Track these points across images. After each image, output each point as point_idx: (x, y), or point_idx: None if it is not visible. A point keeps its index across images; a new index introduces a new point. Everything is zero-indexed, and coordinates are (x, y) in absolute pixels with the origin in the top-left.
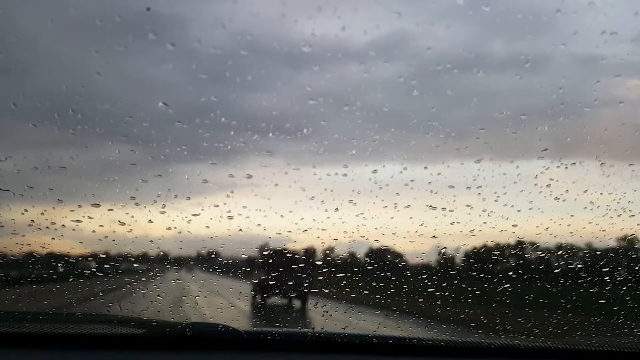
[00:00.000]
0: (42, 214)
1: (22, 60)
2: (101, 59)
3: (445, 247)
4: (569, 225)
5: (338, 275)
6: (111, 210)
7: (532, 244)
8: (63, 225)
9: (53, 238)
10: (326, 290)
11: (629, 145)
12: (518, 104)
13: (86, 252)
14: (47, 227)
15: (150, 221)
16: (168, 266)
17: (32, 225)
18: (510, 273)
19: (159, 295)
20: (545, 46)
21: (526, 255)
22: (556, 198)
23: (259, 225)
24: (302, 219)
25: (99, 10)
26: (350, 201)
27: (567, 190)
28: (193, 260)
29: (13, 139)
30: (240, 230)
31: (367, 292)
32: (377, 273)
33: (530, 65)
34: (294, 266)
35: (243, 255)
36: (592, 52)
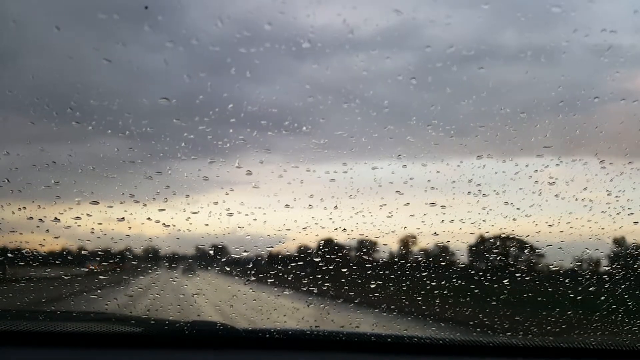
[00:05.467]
0: (41, 212)
1: (19, 56)
2: (99, 56)
3: (444, 245)
4: (568, 223)
5: (337, 272)
6: (110, 207)
7: (531, 241)
8: (61, 222)
9: (51, 234)
10: (324, 288)
11: (628, 143)
12: (517, 102)
13: (85, 249)
14: (46, 224)
15: (149, 219)
16: (167, 264)
17: (30, 222)
18: (510, 270)
19: (157, 294)
20: (544, 43)
21: (525, 253)
22: (556, 196)
23: (258, 222)
24: (302, 216)
25: (97, 5)
26: (350, 198)
27: (567, 184)
28: (191, 258)
29: (10, 135)
30: (240, 227)
31: (365, 289)
32: (375, 271)
33: (529, 62)
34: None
35: (243, 253)
36: (592, 49)
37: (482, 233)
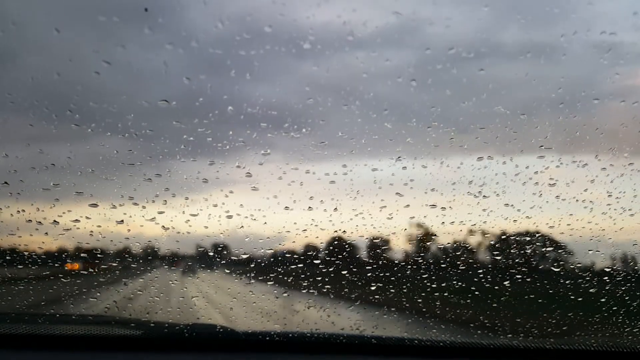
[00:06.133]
0: (40, 214)
1: (18, 57)
2: (99, 58)
3: (444, 246)
4: (568, 224)
5: (337, 274)
6: (109, 209)
7: (532, 242)
8: (60, 224)
9: (50, 236)
10: (324, 290)
11: (628, 144)
12: (517, 103)
13: (84, 251)
14: (45, 226)
15: (148, 221)
16: (166, 266)
17: (29, 224)
18: (510, 272)
19: (157, 297)
20: (544, 45)
21: (526, 253)
22: (556, 197)
23: (258, 224)
24: (301, 218)
25: (97, 7)
26: (350, 200)
27: (567, 185)
28: (191, 260)
29: (9, 137)
30: (239, 229)
31: (366, 291)
32: (376, 272)
33: (529, 64)
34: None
35: (243, 255)
36: (592, 50)
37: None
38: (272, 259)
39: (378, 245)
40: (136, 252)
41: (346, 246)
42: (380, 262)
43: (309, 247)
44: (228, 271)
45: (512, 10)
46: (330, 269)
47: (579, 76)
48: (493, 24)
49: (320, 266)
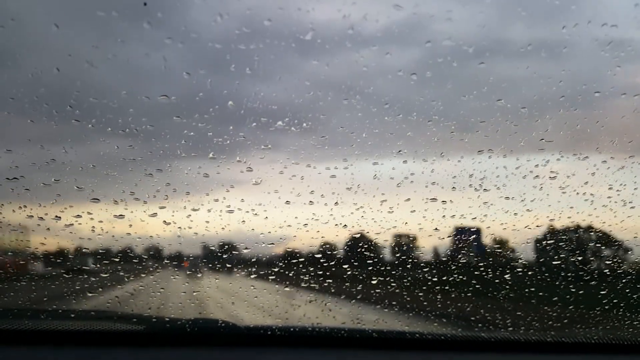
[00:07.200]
0: (41, 210)
1: (17, 54)
2: (98, 54)
3: (445, 240)
4: (569, 217)
5: (338, 269)
6: (110, 205)
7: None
8: (62, 220)
9: (51, 232)
10: (325, 285)
11: (629, 137)
12: (518, 97)
13: (85, 248)
14: (46, 222)
15: (149, 216)
16: (167, 260)
17: (30, 220)
18: (511, 265)
19: (158, 292)
20: (545, 38)
21: (529, 247)
22: (557, 190)
23: (259, 219)
24: (302, 212)
25: (96, 3)
26: (351, 195)
27: (568, 178)
28: (193, 256)
29: (10, 134)
30: (241, 224)
31: (367, 286)
32: (377, 267)
33: (530, 57)
34: None
35: (244, 250)
36: (592, 43)
37: (485, 229)
38: (273, 253)
39: (380, 241)
40: (138, 246)
41: (354, 242)
42: (381, 256)
43: (311, 242)
44: (230, 265)
45: (513, 4)
46: (332, 263)
47: (580, 69)
48: (494, 18)
49: (322, 260)
